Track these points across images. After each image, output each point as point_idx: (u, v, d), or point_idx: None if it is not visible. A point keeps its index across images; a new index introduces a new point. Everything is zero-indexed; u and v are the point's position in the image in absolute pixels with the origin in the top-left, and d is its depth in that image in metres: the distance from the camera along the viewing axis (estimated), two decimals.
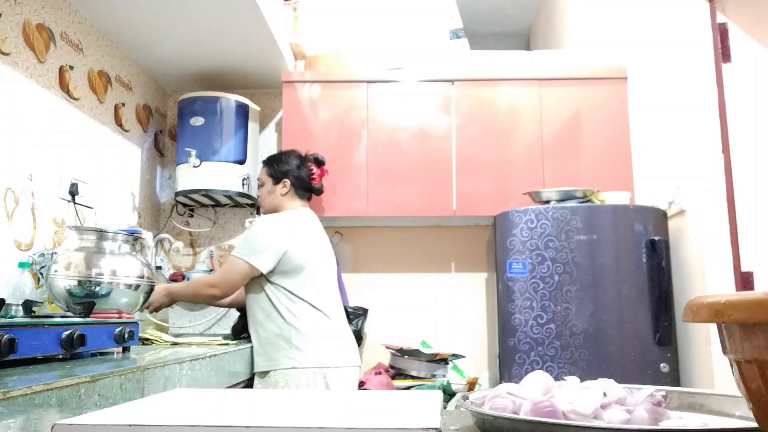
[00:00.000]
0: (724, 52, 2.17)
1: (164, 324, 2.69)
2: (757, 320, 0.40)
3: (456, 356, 2.70)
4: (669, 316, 2.24)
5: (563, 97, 2.80)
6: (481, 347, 2.99)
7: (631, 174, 2.72)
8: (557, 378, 0.66)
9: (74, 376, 0.99)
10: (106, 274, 1.74)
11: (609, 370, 2.17)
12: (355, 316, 2.80)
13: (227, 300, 2.34)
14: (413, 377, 2.60)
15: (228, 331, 2.52)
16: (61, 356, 1.24)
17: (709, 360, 2.10)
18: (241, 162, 2.82)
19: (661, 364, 2.21)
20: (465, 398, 0.66)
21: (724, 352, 0.46)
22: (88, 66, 2.41)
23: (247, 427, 0.46)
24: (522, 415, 0.56)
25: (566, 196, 2.43)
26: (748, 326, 0.42)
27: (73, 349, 1.24)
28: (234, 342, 2.10)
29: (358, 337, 2.75)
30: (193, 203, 3.00)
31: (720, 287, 2.08)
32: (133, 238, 1.85)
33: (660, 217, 2.35)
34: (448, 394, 2.45)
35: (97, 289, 1.72)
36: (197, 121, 2.79)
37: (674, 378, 2.24)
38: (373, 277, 3.08)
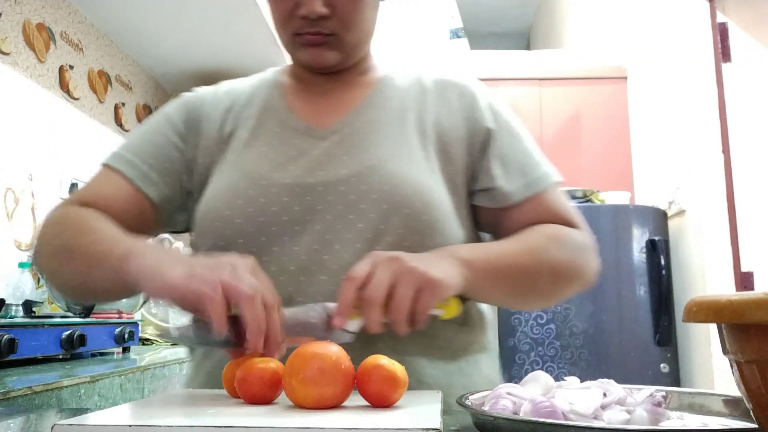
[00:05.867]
0: (724, 52, 2.17)
1: (164, 324, 2.69)
2: (757, 320, 0.40)
3: None
4: (669, 316, 2.24)
5: (563, 97, 2.80)
6: None
7: (631, 174, 2.71)
8: (557, 378, 0.66)
9: (74, 376, 0.99)
10: None
11: (609, 370, 2.17)
12: None
13: None
14: None
15: None
16: (61, 356, 1.24)
17: (709, 360, 2.10)
18: None
19: (661, 365, 2.21)
20: (465, 398, 0.66)
21: (724, 352, 0.46)
22: (88, 66, 2.41)
23: (247, 427, 0.46)
24: (522, 416, 0.56)
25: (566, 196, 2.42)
26: (747, 327, 0.42)
27: (74, 349, 1.24)
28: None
29: None
30: None
31: (720, 287, 2.08)
32: None
33: (660, 217, 2.35)
34: None
35: None
36: None
37: (674, 378, 2.24)
38: None
